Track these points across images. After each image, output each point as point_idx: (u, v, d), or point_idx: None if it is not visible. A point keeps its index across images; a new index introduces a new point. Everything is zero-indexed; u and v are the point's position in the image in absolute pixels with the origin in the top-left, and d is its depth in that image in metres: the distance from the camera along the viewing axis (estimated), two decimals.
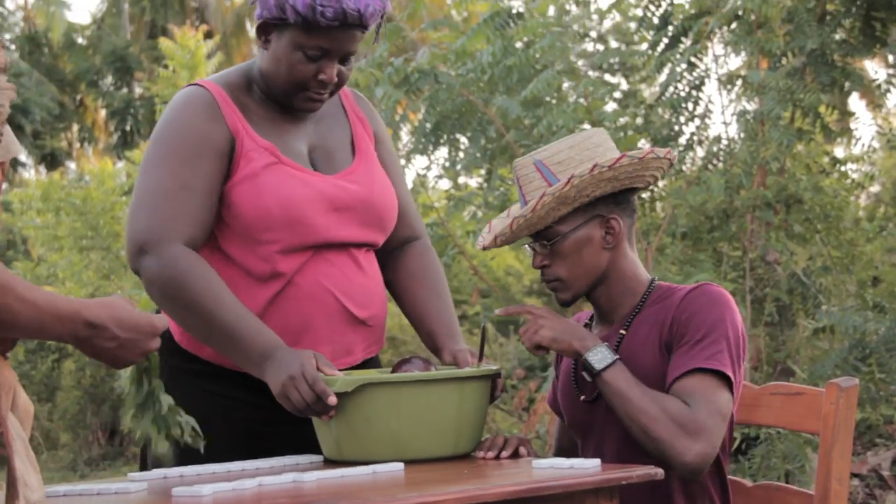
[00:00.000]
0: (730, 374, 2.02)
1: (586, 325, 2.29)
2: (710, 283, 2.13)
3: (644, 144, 5.76)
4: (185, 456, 2.11)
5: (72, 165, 22.45)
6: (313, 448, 2.18)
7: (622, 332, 2.16)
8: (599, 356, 2.04)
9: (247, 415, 2.22)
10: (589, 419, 2.19)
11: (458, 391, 2.03)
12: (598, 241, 2.15)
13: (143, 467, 2.29)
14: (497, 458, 2.04)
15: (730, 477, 2.21)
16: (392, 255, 2.39)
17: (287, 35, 2.14)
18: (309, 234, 2.18)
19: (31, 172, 21.82)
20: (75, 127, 23.37)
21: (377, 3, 2.14)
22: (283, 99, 2.23)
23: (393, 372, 2.15)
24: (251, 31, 22.47)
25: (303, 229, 2.17)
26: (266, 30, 2.18)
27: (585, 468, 1.83)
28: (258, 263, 2.17)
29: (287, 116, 2.27)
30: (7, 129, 1.66)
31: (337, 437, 2.03)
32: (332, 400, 1.96)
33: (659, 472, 1.84)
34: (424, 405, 2.00)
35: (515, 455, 2.05)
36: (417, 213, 2.47)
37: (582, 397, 2.22)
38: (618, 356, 2.05)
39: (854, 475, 5.08)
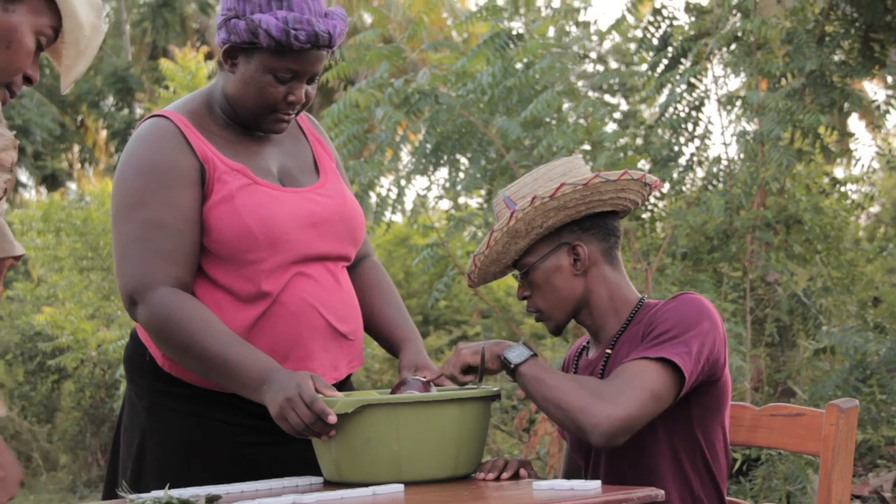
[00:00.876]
0: (677, 362, 1.99)
1: (584, 348, 2.30)
2: (690, 293, 2.13)
3: (644, 165, 5.77)
4: (170, 478, 2.10)
5: (72, 186, 22.48)
6: (300, 469, 2.19)
7: (608, 351, 2.17)
8: (517, 352, 2.08)
9: (232, 437, 2.21)
10: (588, 444, 2.16)
11: (458, 412, 2.03)
12: (567, 268, 2.17)
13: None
14: (497, 479, 2.04)
15: (731, 499, 2.21)
16: (352, 273, 2.41)
17: (256, 58, 2.15)
18: (290, 251, 2.19)
19: (32, 193, 21.86)
20: (76, 148, 23.43)
21: (342, 24, 2.17)
22: (251, 121, 2.24)
23: (392, 393, 2.15)
24: None
25: (284, 246, 2.18)
26: (233, 54, 2.18)
27: (586, 490, 1.83)
28: (243, 284, 2.18)
29: (251, 138, 2.28)
30: (5, 227, 1.69)
31: (336, 459, 2.03)
32: (332, 419, 1.95)
33: (660, 494, 1.83)
34: (424, 426, 2.00)
35: (516, 477, 2.05)
36: (366, 234, 2.51)
37: None
38: (534, 351, 2.08)
39: (855, 497, 5.06)
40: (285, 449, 2.20)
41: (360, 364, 2.34)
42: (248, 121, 2.24)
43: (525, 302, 2.22)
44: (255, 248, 2.16)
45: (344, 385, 2.32)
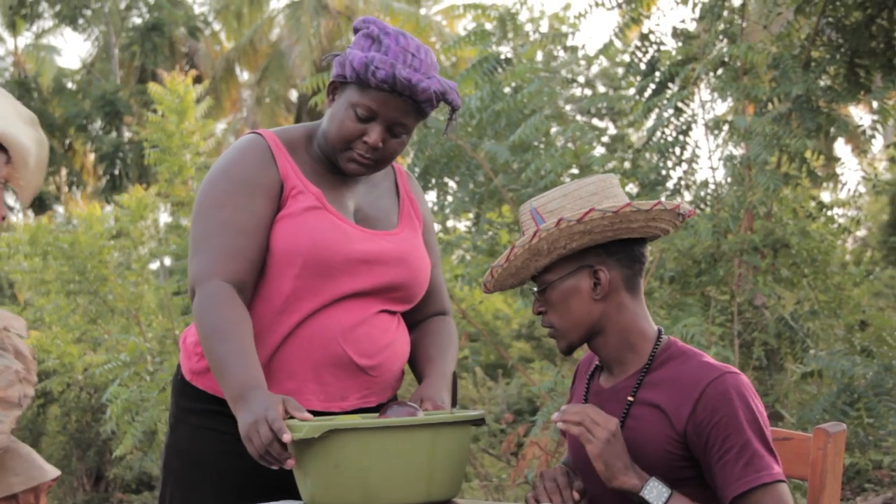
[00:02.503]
0: (778, 472, 1.99)
1: (596, 368, 2.26)
2: (725, 373, 2.04)
3: (632, 189, 5.79)
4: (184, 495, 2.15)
5: (60, 209, 22.43)
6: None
7: (630, 398, 2.11)
8: (655, 493, 2.00)
9: (244, 450, 2.19)
10: (592, 470, 2.11)
11: (429, 437, 2.01)
12: (586, 291, 2.12)
13: None
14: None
15: None
16: (419, 324, 2.46)
17: (345, 93, 2.25)
18: (332, 281, 2.23)
19: (19, 216, 21.80)
20: (64, 171, 23.39)
21: (433, 84, 2.21)
22: (331, 154, 2.30)
23: (380, 417, 2.14)
24: (241, 75, 22.60)
25: (327, 273, 2.22)
26: (334, 88, 2.28)
27: None
28: (278, 298, 2.23)
29: (339, 176, 2.34)
30: (32, 453, 1.73)
31: (309, 484, 2.02)
32: (287, 437, 1.95)
33: None
34: (394, 451, 1.98)
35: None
36: (447, 294, 2.54)
37: None
38: (671, 490, 2.01)
39: None
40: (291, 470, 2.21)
41: (378, 401, 2.34)
42: (328, 154, 2.31)
43: (540, 317, 2.18)
44: (295, 265, 2.21)
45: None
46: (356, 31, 2.29)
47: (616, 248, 2.12)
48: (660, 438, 2.05)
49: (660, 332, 2.16)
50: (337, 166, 2.32)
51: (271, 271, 2.24)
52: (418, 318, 2.45)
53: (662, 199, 2.12)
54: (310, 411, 2.11)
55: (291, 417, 2.01)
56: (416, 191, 2.49)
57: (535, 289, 2.18)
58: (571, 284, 2.12)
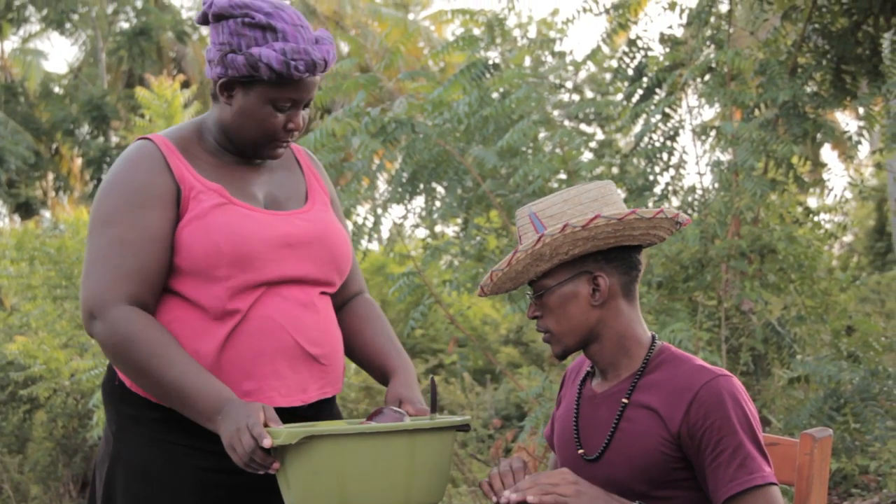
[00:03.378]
0: (770, 474, 2.00)
1: (588, 374, 2.26)
2: (718, 376, 2.06)
3: (620, 194, 5.79)
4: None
5: (47, 214, 22.36)
6: (265, 497, 2.18)
7: (624, 400, 2.12)
8: None
9: (197, 462, 2.20)
10: (584, 477, 2.10)
11: (407, 444, 2.00)
12: (584, 297, 2.12)
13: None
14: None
15: None
16: (341, 307, 2.43)
17: (256, 91, 2.19)
18: (260, 270, 2.19)
19: (6, 221, 21.72)
20: (51, 176, 23.32)
21: (332, 48, 2.21)
22: (251, 150, 2.27)
23: (367, 422, 2.13)
24: None
25: (254, 265, 2.19)
26: (230, 86, 2.21)
27: None
28: (212, 301, 2.18)
29: (241, 165, 2.30)
30: None
31: (290, 491, 2.02)
32: (267, 442, 1.95)
33: None
34: (371, 458, 1.97)
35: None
36: (360, 272, 2.52)
37: (581, 451, 2.18)
38: None
39: None
40: (252, 476, 2.19)
41: (334, 392, 2.33)
42: (247, 149, 2.27)
43: (535, 322, 2.18)
44: (222, 265, 2.16)
45: (319, 410, 2.31)
46: (221, 17, 2.17)
47: (615, 255, 2.13)
48: (654, 440, 2.06)
49: (654, 337, 2.17)
50: (247, 157, 2.29)
51: (197, 277, 2.18)
52: (341, 299, 2.42)
53: (665, 206, 2.13)
54: (275, 409, 2.10)
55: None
56: (318, 166, 2.47)
57: (532, 293, 2.18)
58: (570, 290, 2.12)
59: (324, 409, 2.33)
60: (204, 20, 2.22)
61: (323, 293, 2.32)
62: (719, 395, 2.02)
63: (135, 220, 2.16)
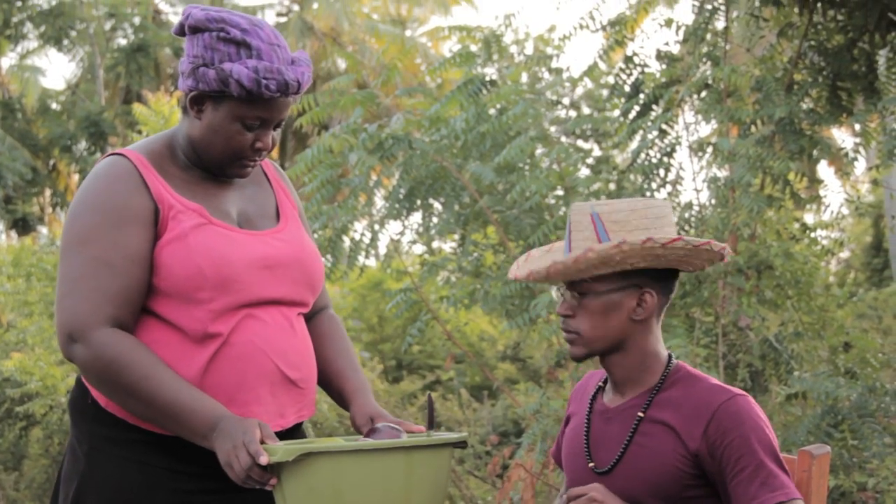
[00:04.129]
0: (794, 492, 2.02)
1: (599, 388, 2.26)
2: (736, 395, 2.08)
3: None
4: None
5: (44, 230, 22.33)
6: None
7: (640, 415, 2.13)
8: None
9: (177, 485, 2.17)
10: None
11: (405, 461, 1.99)
12: (627, 309, 2.12)
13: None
14: None
15: None
16: (308, 322, 2.39)
17: (225, 107, 2.15)
18: (241, 293, 2.17)
19: (3, 237, 21.70)
20: (48, 192, 23.31)
21: (308, 70, 2.18)
22: (216, 167, 2.23)
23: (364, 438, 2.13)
24: None
25: (234, 287, 2.16)
26: (200, 101, 2.18)
27: None
28: (193, 324, 2.15)
29: (212, 182, 2.27)
30: None
31: None
32: (264, 460, 1.94)
33: None
34: (368, 475, 1.96)
35: None
36: (326, 287, 2.49)
37: (591, 464, 2.18)
38: None
39: None
40: (235, 497, 2.16)
41: (310, 414, 2.31)
42: (213, 166, 2.23)
43: (562, 319, 2.17)
44: (204, 288, 2.13)
45: (293, 433, 2.29)
46: (197, 30, 2.15)
47: (664, 276, 2.15)
48: (670, 456, 2.07)
49: (670, 356, 2.19)
50: (213, 173, 2.25)
51: (177, 299, 2.15)
52: (307, 315, 2.39)
53: (726, 244, 2.13)
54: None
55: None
56: (285, 179, 2.44)
57: (571, 291, 2.15)
58: (616, 299, 2.12)
59: (296, 432, 2.32)
60: (181, 32, 2.19)
61: (299, 314, 2.30)
62: (738, 415, 2.05)
63: (113, 239, 2.11)
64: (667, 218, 2.15)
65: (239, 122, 2.16)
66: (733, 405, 2.05)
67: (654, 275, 2.13)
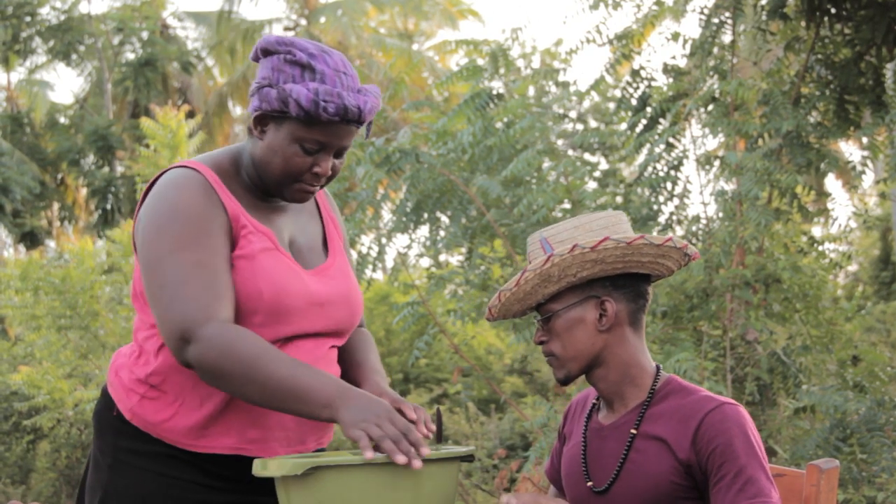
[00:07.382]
0: (774, 500, 2.00)
1: (594, 406, 2.27)
2: (724, 403, 2.08)
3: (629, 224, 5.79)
4: None
5: (52, 244, 22.40)
6: None
7: (633, 431, 2.13)
8: None
9: (199, 497, 2.19)
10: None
11: (412, 474, 1.99)
12: (591, 322, 2.13)
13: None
14: None
15: None
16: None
17: (286, 127, 2.16)
18: (291, 325, 2.19)
19: (11, 251, 21.76)
20: (56, 206, 23.39)
21: (374, 101, 2.18)
22: (275, 188, 2.24)
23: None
24: (233, 110, 22.65)
25: (287, 319, 2.18)
26: (263, 121, 2.19)
27: None
28: None
29: (270, 206, 2.29)
30: None
31: None
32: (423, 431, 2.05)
33: None
34: (376, 489, 1.96)
35: None
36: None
37: (590, 483, 2.18)
38: None
39: None
40: None
41: (328, 440, 2.34)
42: (272, 187, 2.24)
43: (541, 346, 2.18)
44: (258, 312, 2.15)
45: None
46: (267, 53, 2.18)
47: (623, 282, 2.14)
48: (664, 469, 2.07)
49: (658, 368, 2.18)
50: (272, 197, 2.27)
51: None
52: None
53: (672, 235, 2.13)
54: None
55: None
56: (333, 206, 2.46)
57: (539, 317, 2.18)
58: (577, 314, 2.13)
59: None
60: (256, 57, 2.23)
61: (332, 346, 2.32)
62: (724, 422, 2.03)
63: (209, 245, 2.12)
64: (617, 226, 2.15)
65: (297, 144, 2.17)
66: (720, 413, 2.05)
67: (612, 282, 2.13)
